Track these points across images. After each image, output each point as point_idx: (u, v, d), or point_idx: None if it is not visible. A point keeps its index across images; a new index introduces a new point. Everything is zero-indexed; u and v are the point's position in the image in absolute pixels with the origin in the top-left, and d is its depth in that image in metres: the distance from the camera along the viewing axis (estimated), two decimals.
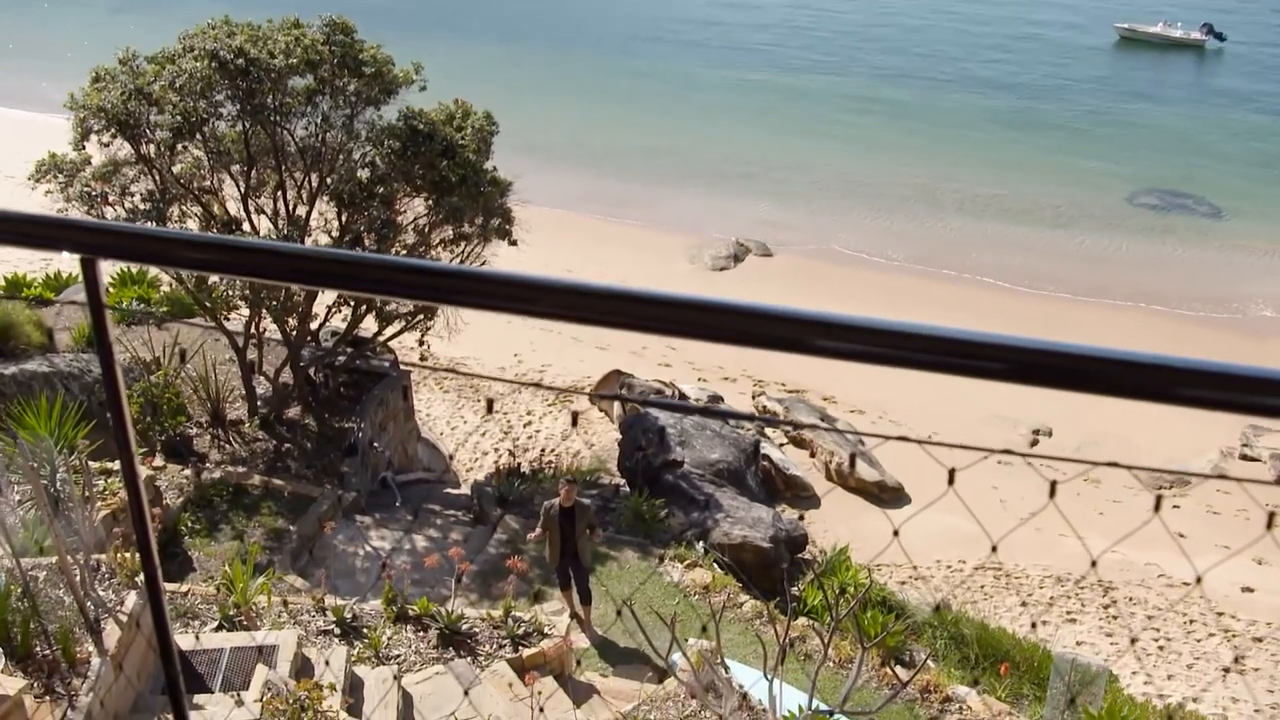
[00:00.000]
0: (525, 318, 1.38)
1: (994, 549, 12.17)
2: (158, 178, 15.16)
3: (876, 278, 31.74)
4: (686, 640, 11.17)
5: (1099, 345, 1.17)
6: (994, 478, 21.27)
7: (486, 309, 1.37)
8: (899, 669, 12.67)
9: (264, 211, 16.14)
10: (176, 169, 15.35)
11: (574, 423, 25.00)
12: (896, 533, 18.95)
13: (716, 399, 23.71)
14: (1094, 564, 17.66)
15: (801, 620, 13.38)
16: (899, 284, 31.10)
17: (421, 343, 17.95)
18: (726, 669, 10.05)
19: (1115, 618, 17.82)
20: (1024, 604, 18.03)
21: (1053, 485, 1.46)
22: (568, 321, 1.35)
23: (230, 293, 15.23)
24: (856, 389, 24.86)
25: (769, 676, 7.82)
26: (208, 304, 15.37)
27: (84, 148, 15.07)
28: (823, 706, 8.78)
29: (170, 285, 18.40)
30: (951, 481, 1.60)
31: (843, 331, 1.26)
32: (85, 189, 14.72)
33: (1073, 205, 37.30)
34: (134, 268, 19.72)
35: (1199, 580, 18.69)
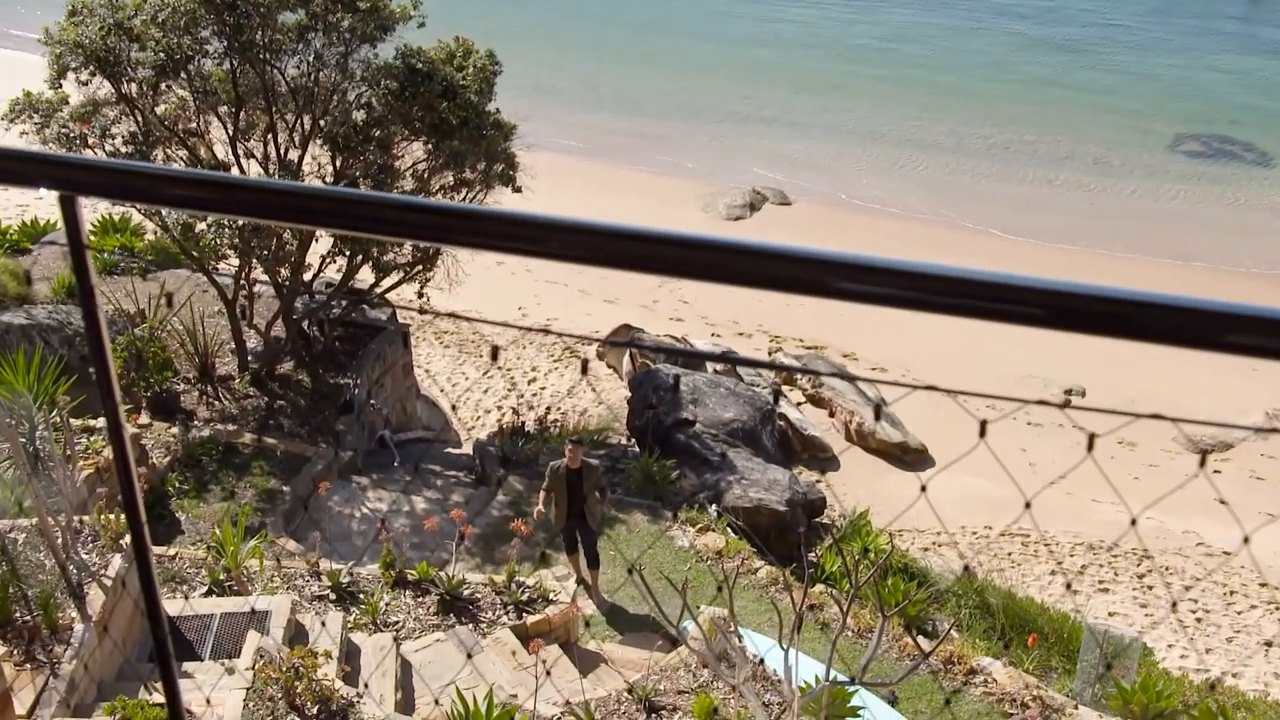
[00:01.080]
0: (532, 258, 1.37)
1: (1027, 505, 12.18)
2: (140, 119, 15.10)
3: (900, 227, 31.60)
4: (698, 607, 11.24)
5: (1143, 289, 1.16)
6: (1023, 439, 21.28)
7: (491, 249, 1.37)
8: (921, 639, 12.74)
9: (254, 156, 16.08)
10: (160, 110, 15.28)
11: (584, 370, 25.02)
12: (924, 488, 18.98)
13: (730, 355, 23.71)
14: (1134, 522, 17.67)
15: (819, 587, 13.45)
16: (924, 235, 30.96)
17: (420, 295, 17.94)
18: (740, 637, 10.11)
19: (1151, 588, 17.86)
20: (1054, 572, 18.09)
21: (1091, 438, 1.45)
22: (577, 263, 1.34)
23: (219, 240, 15.21)
24: (878, 345, 24.83)
25: (784, 645, 7.87)
26: (195, 253, 15.35)
27: (61, 86, 14.99)
28: (841, 677, 8.84)
29: (155, 233, 18.37)
30: (983, 434, 1.59)
31: (866, 273, 1.24)
32: (63, 130, 14.66)
33: (1112, 152, 37.00)
34: (116, 214, 19.71)
35: (1246, 540, 18.70)
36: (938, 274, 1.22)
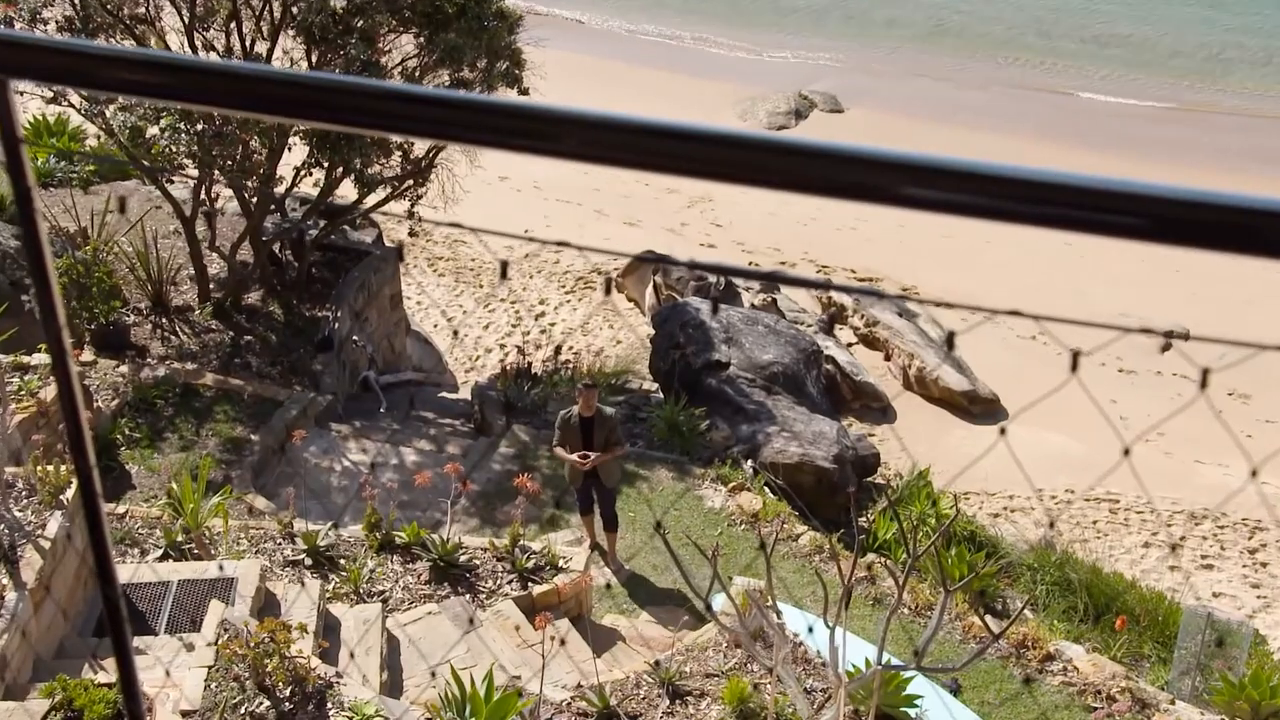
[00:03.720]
0: (543, 157, 1.35)
1: (1126, 452, 12.05)
2: (77, 1, 15.05)
3: (971, 139, 31.35)
4: (730, 578, 11.30)
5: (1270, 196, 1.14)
6: (1114, 389, 21.21)
7: (496, 146, 1.35)
8: (989, 619, 12.80)
9: (213, 48, 16.01)
10: None
11: (608, 290, 24.96)
12: (1004, 430, 18.92)
13: (771, 287, 23.65)
14: (1255, 473, 17.56)
15: (870, 556, 13.49)
16: (999, 146, 30.70)
17: (412, 214, 17.92)
18: (778, 613, 10.17)
19: (1265, 564, 17.83)
20: (1147, 544, 18.09)
21: (1205, 372, 1.43)
22: (597, 163, 1.32)
23: (174, 147, 15.17)
24: (944, 278, 24.74)
25: (830, 624, 7.91)
26: (146, 162, 15.35)
27: None
28: (895, 661, 8.90)
29: (99, 138, 18.35)
30: (1075, 366, 1.58)
31: (937, 176, 1.23)
32: None
33: (1230, 45, 36.47)
34: (51, 115, 19.68)
35: None
36: (1022, 177, 1.20)
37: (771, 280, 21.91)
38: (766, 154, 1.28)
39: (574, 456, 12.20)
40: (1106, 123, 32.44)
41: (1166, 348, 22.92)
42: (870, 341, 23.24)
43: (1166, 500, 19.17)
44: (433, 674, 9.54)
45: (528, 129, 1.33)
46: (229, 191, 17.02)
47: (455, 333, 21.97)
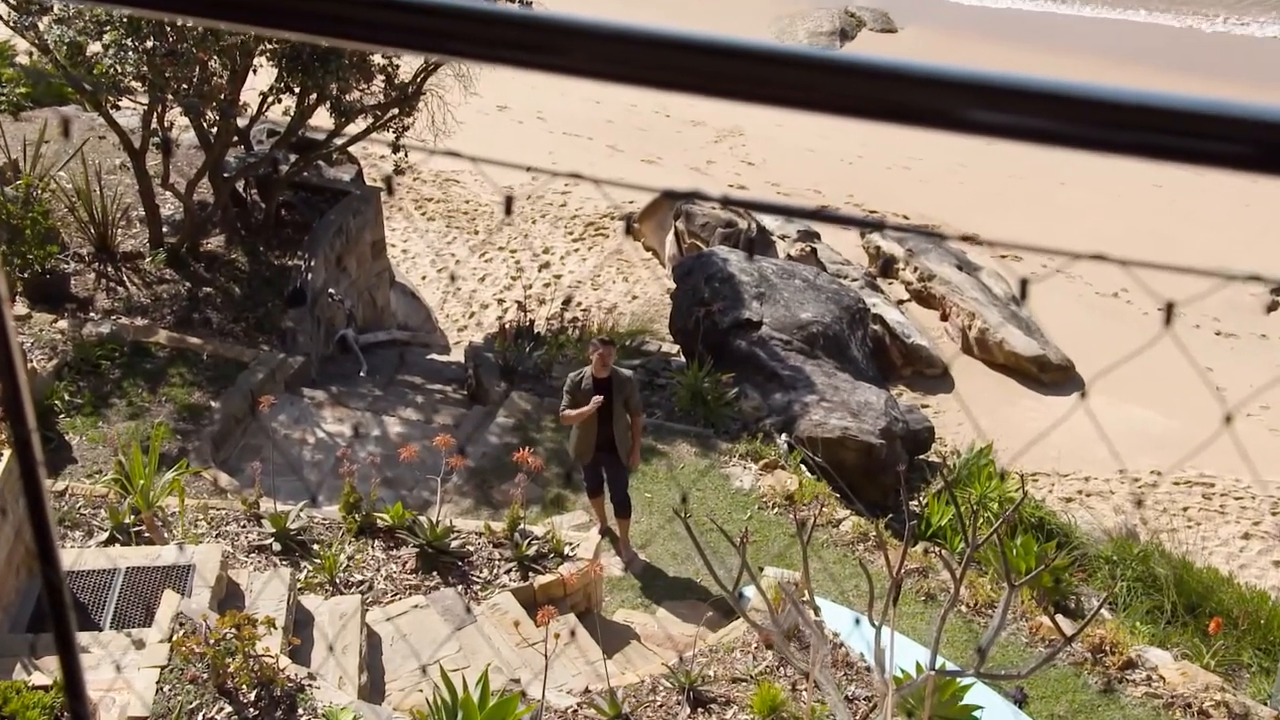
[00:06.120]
0: (549, 74, 1.35)
1: (1228, 419, 12.00)
2: None
3: (1049, 62, 31.16)
4: (761, 569, 11.32)
5: None
6: (1211, 354, 21.14)
7: (493, 61, 1.35)
8: (1060, 619, 12.80)
9: None
10: None
11: (629, 229, 24.92)
12: (1084, 393, 18.91)
13: (811, 235, 23.61)
14: None
15: (922, 546, 13.50)
16: (1080, 70, 30.50)
17: (397, 148, 17.90)
18: (816, 609, 10.20)
19: None
20: (1247, 535, 18.06)
21: None
22: (612, 81, 1.32)
23: (120, 67, 15.13)
24: (1010, 224, 24.65)
25: (875, 622, 7.92)
26: (87, 85, 15.32)
27: None
28: (950, 666, 8.92)
29: (32, 56, 18.34)
30: (1169, 320, 1.57)
31: (1009, 97, 1.22)
32: None
33: None
34: None
35: None
36: (1109, 98, 1.19)
37: (816, 218, 21.85)
38: (809, 72, 1.27)
39: (588, 407, 12.07)
40: (1211, 50, 32.28)
41: (1274, 307, 22.81)
42: (924, 298, 23.19)
43: (1271, 484, 19.10)
44: (423, 670, 9.59)
45: (530, 41, 1.32)
46: (185, 120, 16.98)
47: (452, 277, 21.96)
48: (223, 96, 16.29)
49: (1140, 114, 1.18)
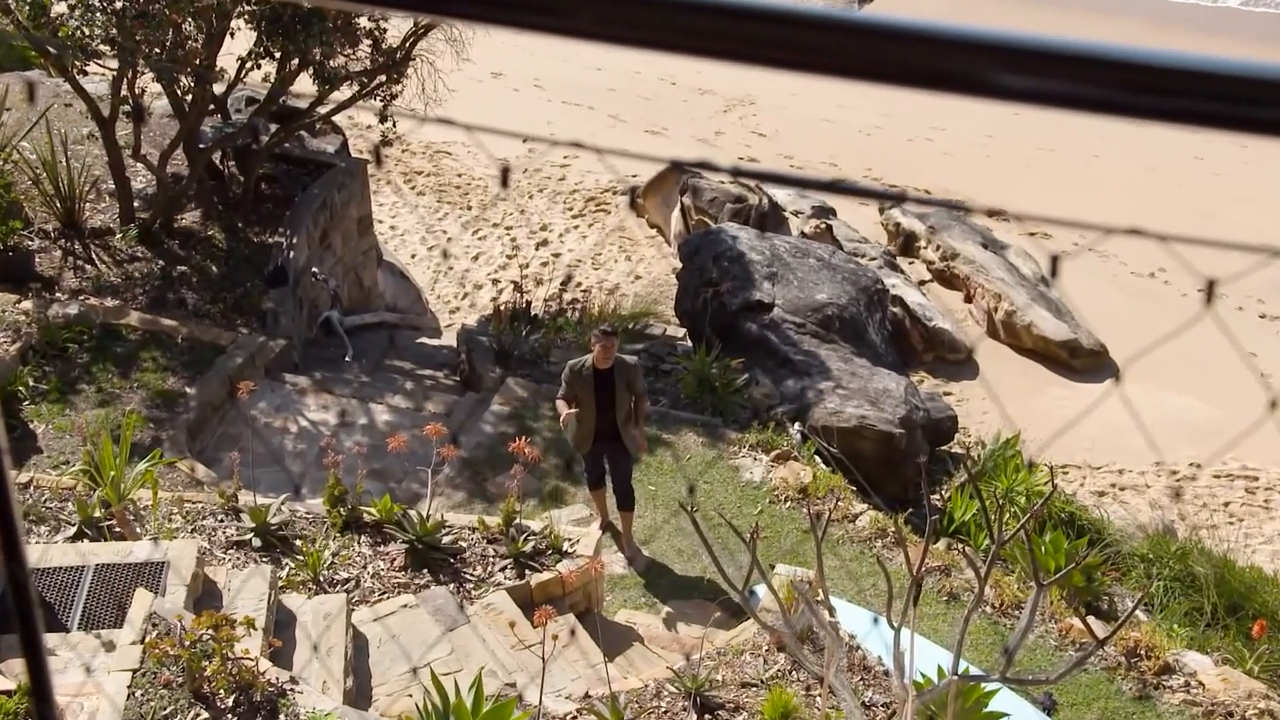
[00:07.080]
0: (553, 36, 1.32)
1: (1273, 406, 11.90)
2: None
3: (1081, 24, 31.11)
4: (773, 567, 11.32)
5: None
6: (1254, 339, 21.12)
7: (493, 22, 1.32)
8: (1092, 620, 12.81)
9: None
10: None
11: (633, 203, 24.90)
12: (1118, 377, 18.92)
13: (826, 211, 23.59)
14: None
15: (944, 542, 13.50)
16: (1115, 33, 30.46)
17: (385, 118, 17.88)
18: (831, 610, 10.19)
19: None
20: None
21: None
22: (618, 44, 1.29)
23: (88, 30, 15.10)
24: (1038, 198, 24.60)
25: (894, 623, 7.91)
26: (52, 48, 15.29)
27: None
28: (974, 670, 8.91)
29: None
30: (1210, 298, 1.54)
31: (1041, 59, 1.19)
32: None
33: None
34: None
35: None
36: (1147, 61, 1.17)
37: (832, 191, 21.82)
38: (827, 33, 1.25)
39: (564, 410, 12.08)
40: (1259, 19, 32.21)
41: None
42: (947, 278, 23.16)
43: None
44: (413, 673, 9.59)
45: (533, 0, 1.30)
46: (157, 87, 16.96)
47: (444, 255, 21.95)
48: (198, 61, 16.26)
49: (1183, 78, 1.16)
